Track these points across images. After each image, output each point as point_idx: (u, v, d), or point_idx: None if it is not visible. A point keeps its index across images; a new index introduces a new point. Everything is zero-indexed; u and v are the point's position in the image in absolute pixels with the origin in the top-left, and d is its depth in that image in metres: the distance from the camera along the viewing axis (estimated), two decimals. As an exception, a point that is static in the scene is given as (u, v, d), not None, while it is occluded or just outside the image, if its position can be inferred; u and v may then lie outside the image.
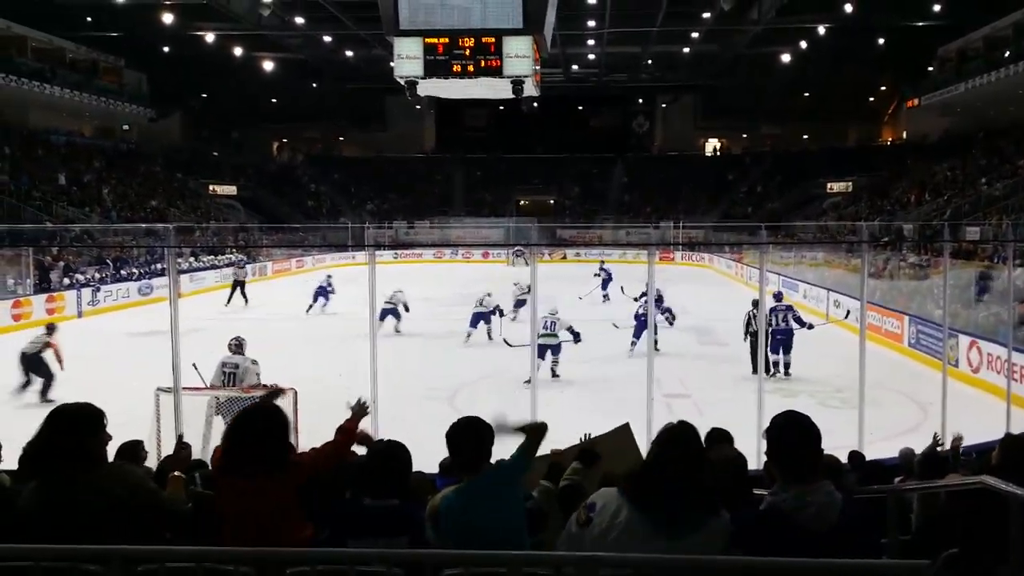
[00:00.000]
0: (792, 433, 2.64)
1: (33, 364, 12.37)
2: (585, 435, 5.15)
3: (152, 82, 41.63)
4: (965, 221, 25.17)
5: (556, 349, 14.30)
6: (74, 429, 2.80)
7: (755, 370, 11.51)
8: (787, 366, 13.98)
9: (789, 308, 14.45)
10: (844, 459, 6.51)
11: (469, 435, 3.18)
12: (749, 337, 13.97)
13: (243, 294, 24.39)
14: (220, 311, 21.87)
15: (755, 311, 13.34)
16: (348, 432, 3.67)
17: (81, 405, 2.94)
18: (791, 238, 32.92)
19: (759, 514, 2.62)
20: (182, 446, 5.54)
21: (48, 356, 12.45)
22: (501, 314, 18.02)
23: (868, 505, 4.66)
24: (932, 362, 14.24)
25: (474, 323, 17.74)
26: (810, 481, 2.56)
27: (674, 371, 13.76)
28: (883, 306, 18.09)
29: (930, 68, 38.55)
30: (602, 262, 27.30)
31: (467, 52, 12.76)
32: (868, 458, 6.87)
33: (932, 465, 5.85)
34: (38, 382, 12.32)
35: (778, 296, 15.22)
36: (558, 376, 14.11)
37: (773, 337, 13.65)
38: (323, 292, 22.37)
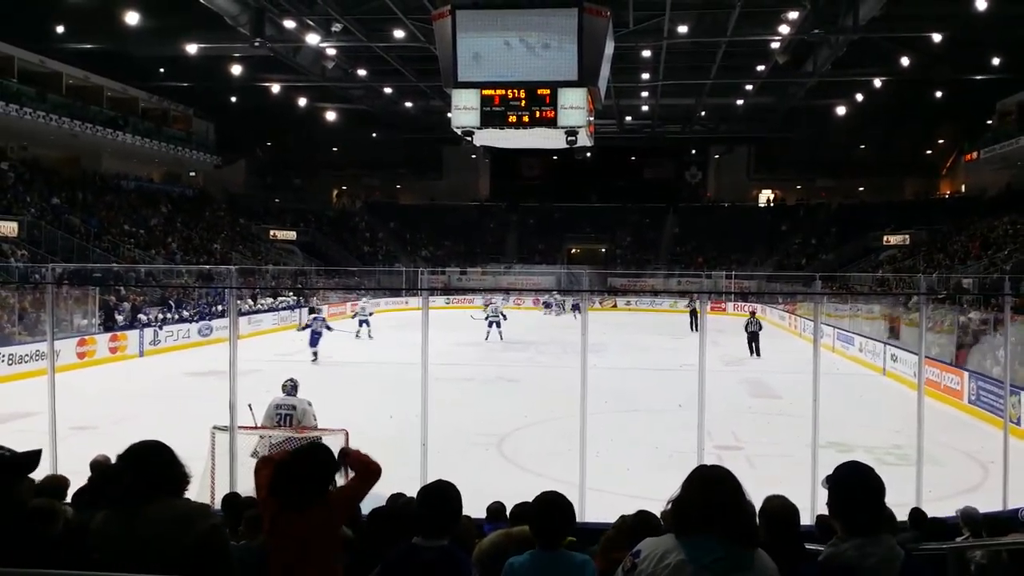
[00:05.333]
0: (856, 484, 2.58)
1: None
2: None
3: (219, 130, 43.26)
4: (1028, 276, 24.46)
5: (499, 324, 27.32)
6: (148, 465, 2.84)
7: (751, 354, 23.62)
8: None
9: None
10: (902, 516, 6.36)
11: (553, 510, 3.35)
12: (747, 335, 24.01)
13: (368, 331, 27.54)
14: (276, 353, 22.26)
15: (751, 318, 24.64)
16: (360, 464, 3.72)
17: (153, 444, 2.94)
18: (847, 289, 32.34)
19: (818, 565, 2.59)
20: None
21: None
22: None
23: (928, 563, 4.56)
24: (993, 419, 13.81)
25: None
26: (872, 534, 2.51)
27: (726, 423, 13.58)
28: (942, 361, 17.63)
29: (989, 122, 37.94)
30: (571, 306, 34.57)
31: (522, 103, 13.04)
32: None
33: (995, 524, 5.70)
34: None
35: (752, 312, 25.76)
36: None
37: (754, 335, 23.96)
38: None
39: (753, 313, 25.47)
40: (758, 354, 23.49)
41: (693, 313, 30.61)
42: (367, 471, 3.62)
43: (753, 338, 23.88)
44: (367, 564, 3.54)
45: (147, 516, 2.72)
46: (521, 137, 13.76)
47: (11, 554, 2.63)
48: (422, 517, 3.26)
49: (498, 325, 27.53)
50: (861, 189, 50.08)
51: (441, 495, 3.32)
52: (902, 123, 43.01)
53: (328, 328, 22.91)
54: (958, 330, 18.43)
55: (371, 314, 28.56)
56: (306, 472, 3.35)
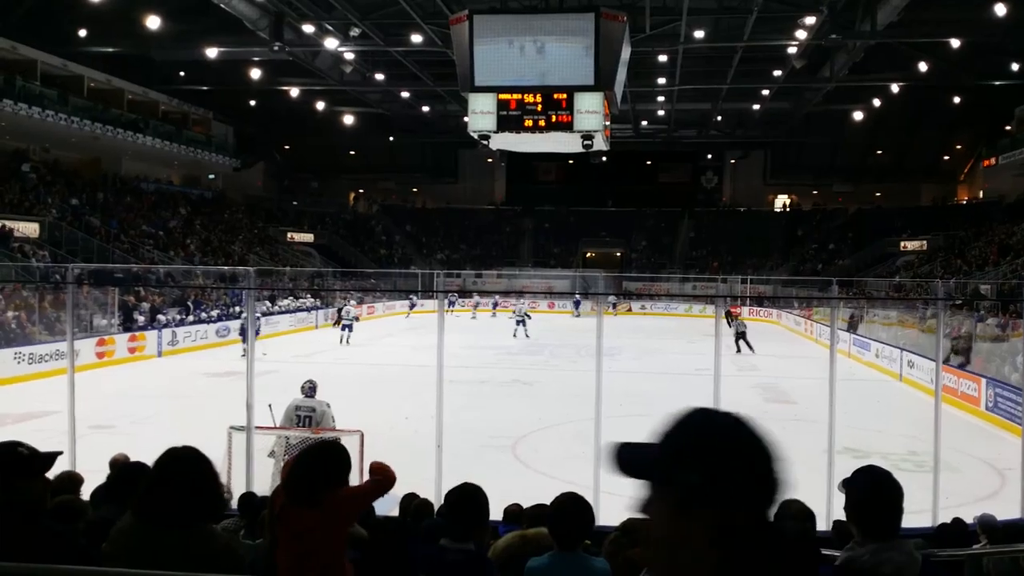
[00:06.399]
0: (874, 489, 2.57)
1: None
2: None
3: (238, 134, 43.59)
4: (1047, 283, 24.25)
5: (524, 323, 29.01)
6: (185, 481, 2.60)
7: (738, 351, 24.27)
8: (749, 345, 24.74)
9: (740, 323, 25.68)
10: (921, 523, 6.33)
11: (574, 511, 3.37)
12: (735, 336, 24.63)
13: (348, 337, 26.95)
14: (292, 355, 22.39)
15: (730, 318, 24.88)
16: (379, 470, 3.72)
17: (194, 456, 2.68)
18: (863, 294, 32.14)
19: (835, 570, 2.57)
20: None
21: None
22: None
23: (945, 570, 4.55)
24: (1011, 426, 13.71)
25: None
26: (889, 538, 2.50)
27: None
28: (959, 367, 17.51)
29: (1008, 127, 37.62)
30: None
31: (539, 108, 13.09)
32: (940, 524, 6.66)
33: (1014, 532, 5.68)
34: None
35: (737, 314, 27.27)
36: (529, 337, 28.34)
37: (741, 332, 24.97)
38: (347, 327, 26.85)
39: (735, 315, 27.03)
40: (751, 349, 24.57)
41: (728, 314, 31.08)
42: (383, 477, 3.62)
43: (740, 336, 24.88)
44: (378, 563, 3.57)
45: (173, 541, 2.54)
46: (537, 141, 13.80)
47: (29, 551, 2.50)
48: (448, 520, 3.29)
49: (523, 324, 28.70)
50: (878, 194, 49.77)
51: (467, 498, 3.34)
52: (920, 128, 42.76)
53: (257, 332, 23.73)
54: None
55: (356, 319, 28.61)
56: (316, 469, 3.32)
